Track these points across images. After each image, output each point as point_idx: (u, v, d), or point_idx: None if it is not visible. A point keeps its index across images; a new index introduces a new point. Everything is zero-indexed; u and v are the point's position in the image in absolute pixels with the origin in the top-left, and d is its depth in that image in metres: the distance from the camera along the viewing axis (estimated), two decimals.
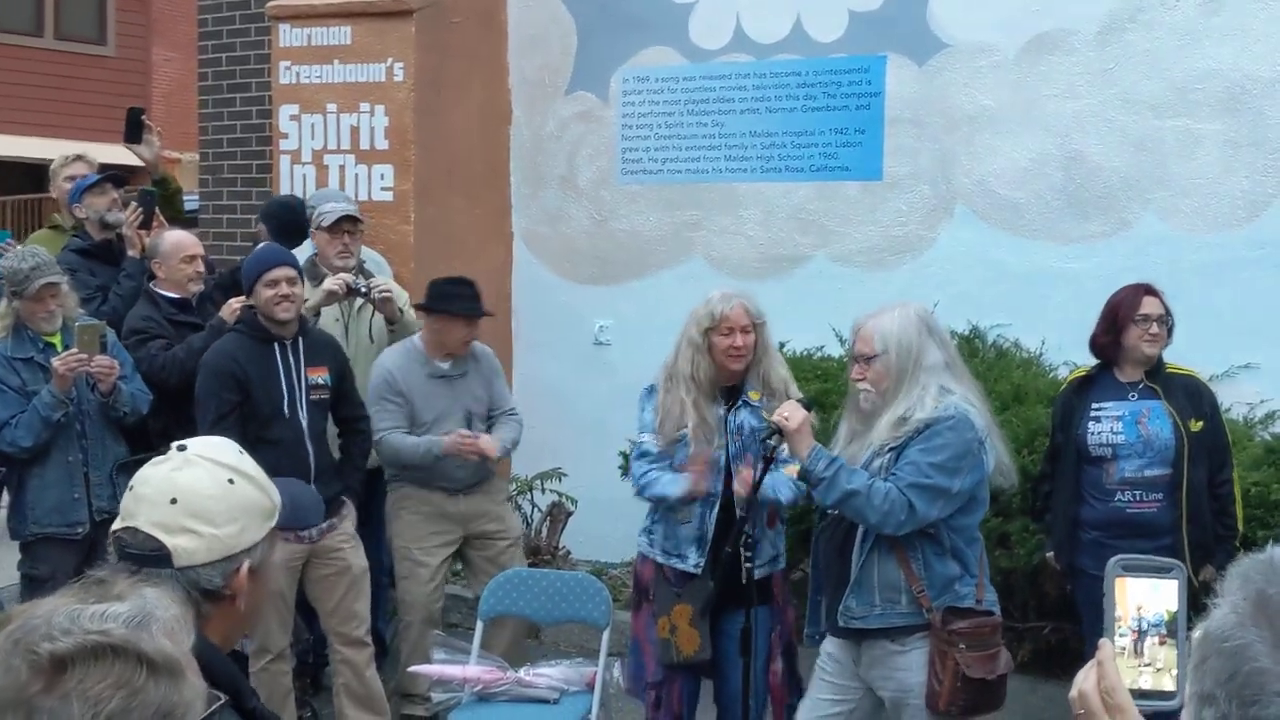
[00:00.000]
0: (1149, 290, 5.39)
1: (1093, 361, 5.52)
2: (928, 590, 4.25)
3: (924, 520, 4.20)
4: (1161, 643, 1.59)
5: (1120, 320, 5.35)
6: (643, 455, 5.05)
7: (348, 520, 5.73)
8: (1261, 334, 6.68)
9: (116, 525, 2.26)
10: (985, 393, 4.64)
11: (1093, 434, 5.35)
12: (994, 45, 7.35)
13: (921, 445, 4.20)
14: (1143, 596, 1.61)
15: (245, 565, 2.24)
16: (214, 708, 1.66)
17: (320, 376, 5.64)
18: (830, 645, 4.54)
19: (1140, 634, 1.60)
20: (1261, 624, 1.33)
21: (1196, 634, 1.41)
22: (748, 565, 4.80)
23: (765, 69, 7.86)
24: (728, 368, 4.93)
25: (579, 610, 5.53)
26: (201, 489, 2.23)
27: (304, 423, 5.54)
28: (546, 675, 5.31)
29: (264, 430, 5.37)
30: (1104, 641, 1.60)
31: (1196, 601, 1.58)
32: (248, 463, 2.33)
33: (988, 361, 6.96)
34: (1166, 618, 1.60)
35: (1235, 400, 6.43)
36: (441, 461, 5.95)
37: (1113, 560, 1.68)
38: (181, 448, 2.31)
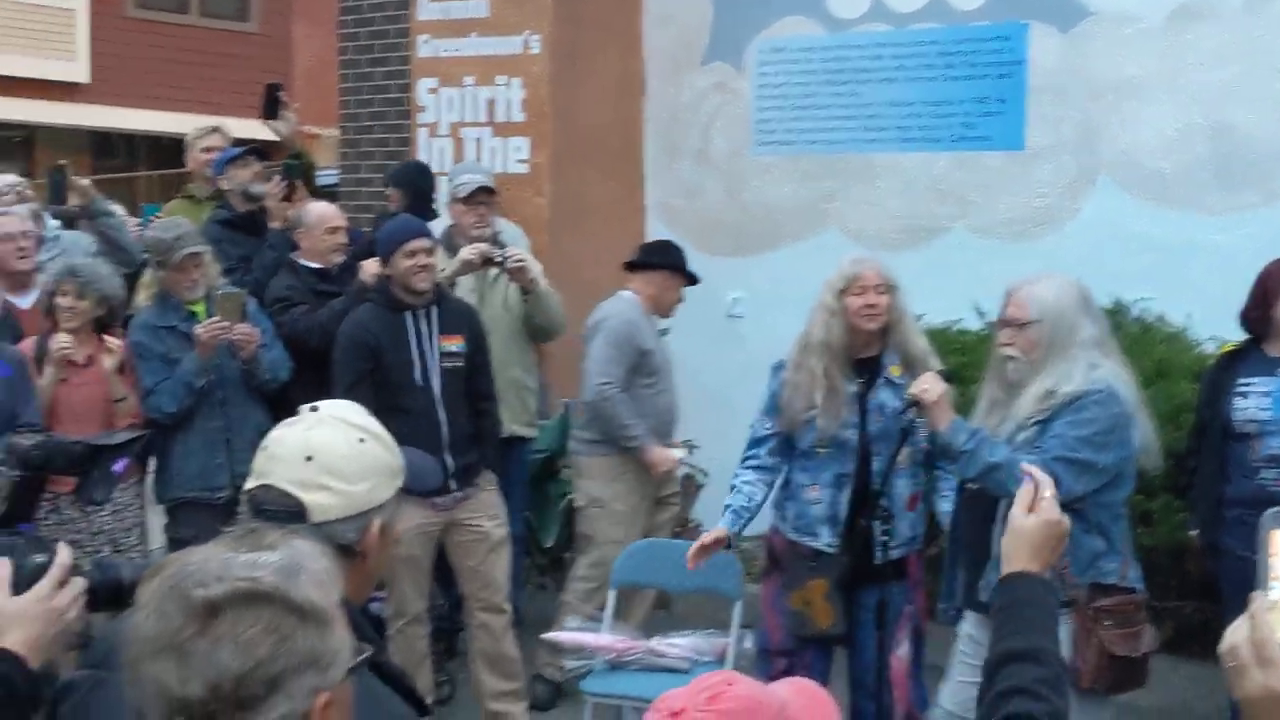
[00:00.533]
0: None
1: (1242, 336, 5.37)
2: (1072, 566, 4.18)
3: (1069, 495, 4.12)
4: None
5: (1270, 294, 5.20)
6: (753, 442, 5.04)
7: (486, 489, 5.78)
8: None
9: (250, 484, 2.32)
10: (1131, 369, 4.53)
11: (1238, 410, 5.21)
12: (1139, 13, 7.16)
13: (1069, 418, 4.12)
14: None
15: (376, 523, 2.28)
16: (360, 659, 1.69)
17: (454, 345, 5.68)
18: (969, 625, 4.48)
19: None
20: None
21: None
22: (884, 539, 4.75)
23: (904, 38, 7.76)
24: (863, 329, 4.84)
25: (711, 581, 5.53)
26: (335, 447, 2.28)
27: (436, 391, 5.60)
28: (678, 645, 5.32)
29: (396, 398, 5.44)
30: (1257, 594, 1.55)
31: None
32: (375, 424, 2.38)
33: (1131, 336, 6.79)
34: None
35: None
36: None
37: (1270, 511, 1.62)
38: (313, 409, 2.37)
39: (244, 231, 6.85)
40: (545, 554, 6.95)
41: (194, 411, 5.82)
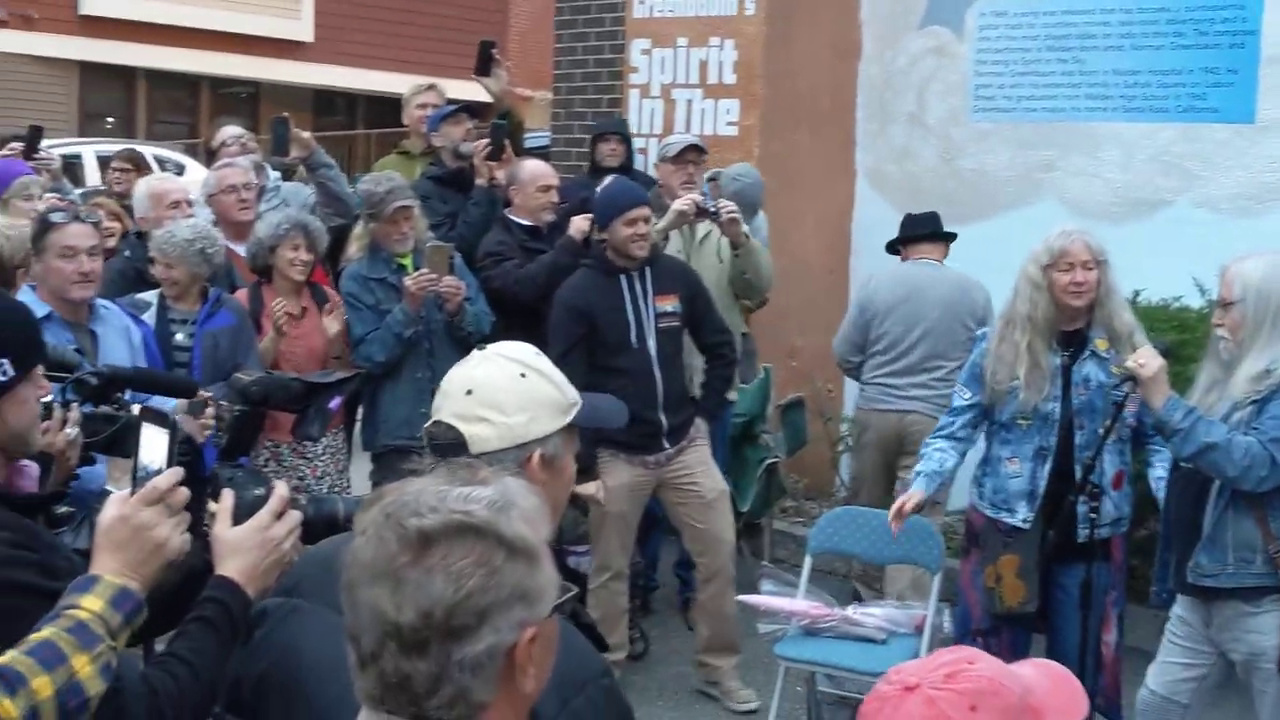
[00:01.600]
0: None
1: None
2: None
3: None
4: None
5: None
6: (950, 411, 4.97)
7: (698, 445, 5.80)
8: None
9: (427, 423, 2.38)
10: None
11: None
12: None
13: None
14: None
15: (537, 454, 2.30)
16: (565, 597, 1.70)
17: (669, 304, 5.71)
18: (1180, 608, 4.38)
19: None
20: None
21: None
22: (1091, 516, 4.63)
23: (1132, 4, 7.48)
24: (1069, 305, 4.70)
25: (910, 552, 5.45)
26: (494, 380, 2.33)
27: (652, 351, 5.64)
28: (874, 615, 5.27)
29: (611, 359, 5.51)
30: None
31: None
32: (544, 362, 2.42)
33: None
34: None
35: None
36: None
37: None
38: (482, 348, 2.44)
39: (453, 188, 6.97)
40: (741, 518, 6.94)
41: (401, 362, 5.97)
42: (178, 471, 2.14)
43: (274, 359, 5.78)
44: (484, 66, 7.41)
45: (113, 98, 22.61)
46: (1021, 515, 4.79)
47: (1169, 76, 7.39)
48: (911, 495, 4.89)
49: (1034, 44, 7.81)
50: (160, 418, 2.19)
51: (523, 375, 2.36)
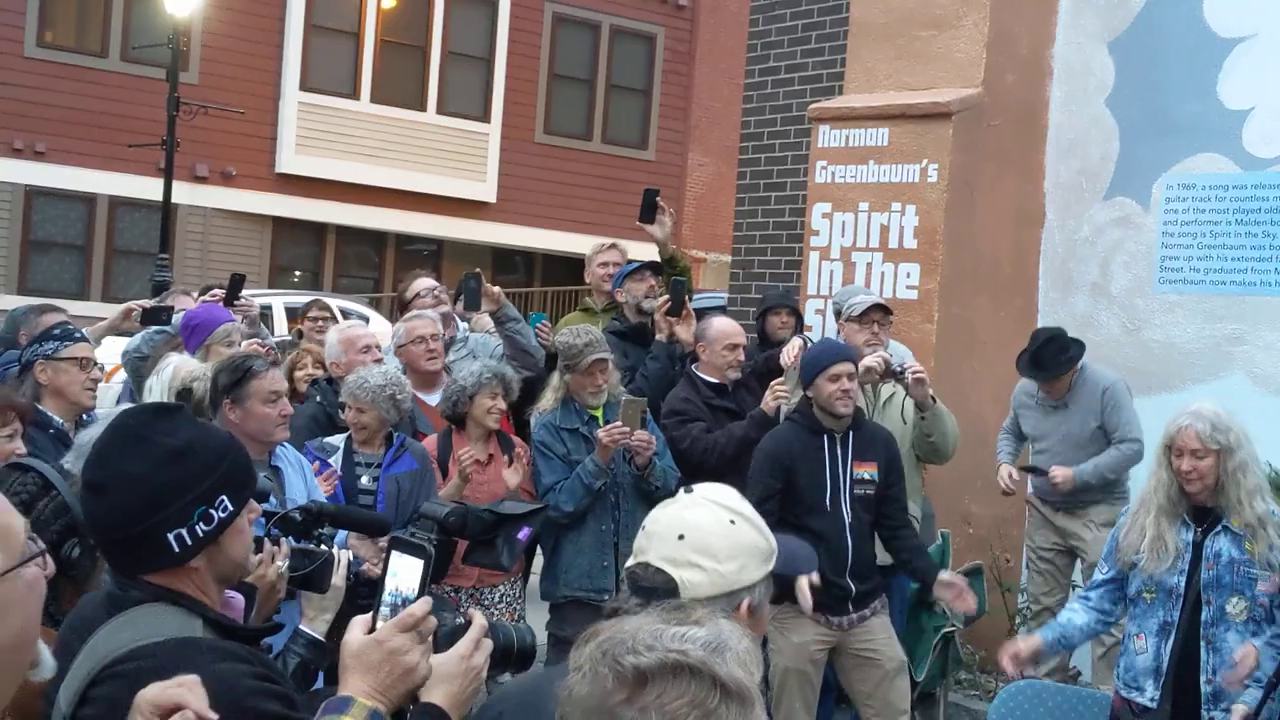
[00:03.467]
0: None
1: None
2: None
3: None
4: None
5: None
6: (1090, 585, 5.00)
7: (881, 614, 5.77)
8: None
9: (630, 562, 2.39)
10: None
11: None
12: None
13: None
14: None
15: (746, 602, 2.31)
16: None
17: (868, 471, 5.69)
18: None
19: None
20: None
21: None
22: (1209, 692, 4.54)
23: None
24: (1184, 489, 4.70)
25: None
26: (706, 526, 2.36)
27: (846, 517, 5.60)
28: None
29: (804, 517, 5.49)
30: None
31: None
32: (747, 506, 2.44)
33: None
34: None
35: None
36: None
37: None
38: (689, 490, 2.46)
39: (634, 342, 7.08)
40: (915, 687, 6.79)
41: (587, 513, 6.02)
42: (429, 600, 2.18)
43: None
44: (648, 214, 7.56)
45: (303, 252, 23.51)
46: (1149, 694, 4.70)
47: None
48: (1030, 641, 4.93)
49: (1223, 216, 7.73)
50: (414, 548, 2.23)
51: (732, 522, 2.38)
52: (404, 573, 2.22)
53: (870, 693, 5.70)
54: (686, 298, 7.10)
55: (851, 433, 5.68)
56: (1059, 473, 6.84)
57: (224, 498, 2.38)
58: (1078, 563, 7.24)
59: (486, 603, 5.95)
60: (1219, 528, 4.68)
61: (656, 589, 2.28)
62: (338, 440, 5.78)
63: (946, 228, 7.85)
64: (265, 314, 15.74)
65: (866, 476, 5.68)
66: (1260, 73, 7.66)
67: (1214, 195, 7.78)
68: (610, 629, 1.69)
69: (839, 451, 5.65)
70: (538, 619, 6.33)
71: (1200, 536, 4.70)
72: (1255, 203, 7.62)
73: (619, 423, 5.91)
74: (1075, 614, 4.98)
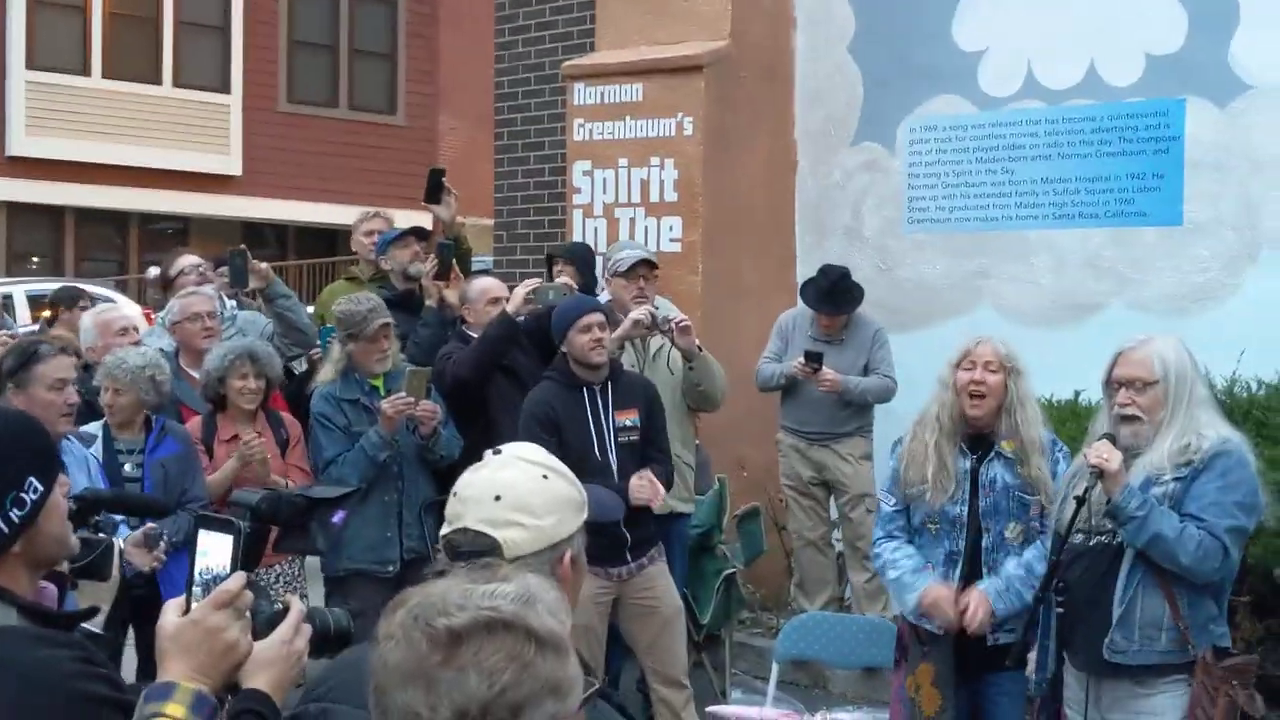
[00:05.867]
0: None
1: None
2: (1191, 630, 4.13)
3: (1235, 563, 4.08)
4: None
5: None
6: (881, 519, 4.95)
7: (658, 561, 5.82)
8: None
9: (445, 530, 2.40)
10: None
11: None
12: None
13: (1218, 482, 4.10)
14: None
15: (568, 554, 2.35)
16: (592, 691, 1.73)
17: (630, 418, 5.75)
18: (1072, 689, 4.37)
19: None
20: None
21: None
22: (993, 637, 4.66)
23: (1057, 115, 7.75)
24: (967, 411, 4.66)
25: (876, 656, 5.48)
26: (521, 484, 2.39)
27: (614, 465, 5.66)
28: None
29: (575, 472, 5.48)
30: None
31: None
32: (557, 461, 2.50)
33: None
34: None
35: None
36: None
37: None
38: (496, 452, 2.48)
39: (403, 310, 6.99)
40: (701, 630, 6.94)
41: (371, 484, 5.94)
42: (243, 575, 2.14)
43: (230, 488, 5.74)
44: (434, 194, 7.49)
45: (41, 237, 22.50)
46: (937, 620, 4.73)
47: (1097, 183, 7.63)
48: (935, 594, 4.74)
49: (964, 155, 8.04)
50: (222, 523, 2.20)
51: (545, 476, 2.41)
52: (214, 550, 2.19)
53: (651, 642, 5.76)
54: (454, 260, 7.08)
55: (610, 383, 5.73)
56: (830, 373, 7.11)
57: (31, 479, 2.31)
58: (832, 497, 7.52)
59: (264, 584, 5.81)
60: (993, 454, 4.73)
61: (479, 552, 2.29)
62: (95, 428, 5.58)
63: (705, 180, 7.98)
64: (7, 302, 15.08)
65: (629, 424, 5.73)
66: (992, 14, 8.00)
67: (954, 136, 8.10)
68: (418, 594, 1.70)
69: (599, 403, 5.69)
70: (315, 594, 6.25)
71: (976, 464, 4.73)
72: (994, 141, 7.96)
73: (403, 393, 5.85)
74: (911, 554, 4.82)
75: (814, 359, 7.10)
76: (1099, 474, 4.18)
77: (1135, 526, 4.11)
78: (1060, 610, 4.36)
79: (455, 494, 2.45)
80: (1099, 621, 4.23)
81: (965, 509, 4.70)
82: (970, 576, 4.70)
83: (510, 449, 2.50)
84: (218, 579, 2.15)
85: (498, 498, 2.37)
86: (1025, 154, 7.85)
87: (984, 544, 4.71)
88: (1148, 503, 4.11)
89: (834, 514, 7.60)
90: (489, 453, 2.50)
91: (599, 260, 7.61)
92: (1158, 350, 4.24)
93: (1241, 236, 7.26)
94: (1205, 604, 4.17)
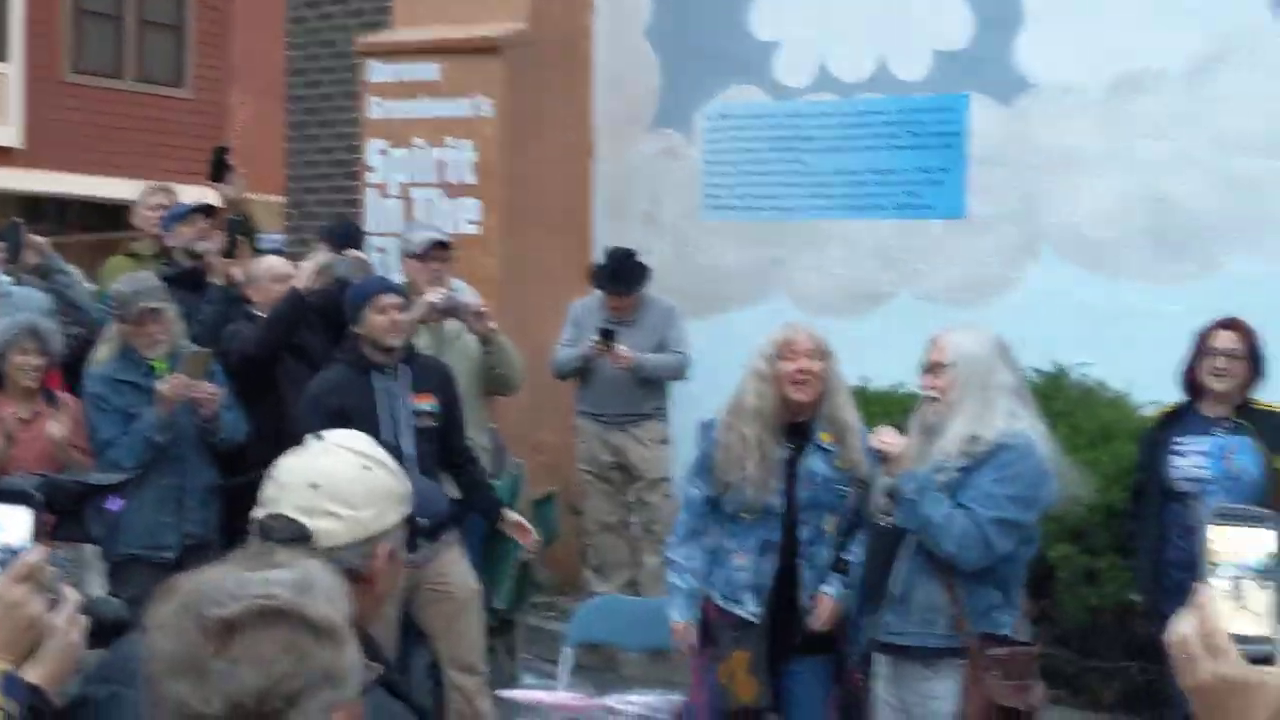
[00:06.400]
0: (1225, 324, 5.35)
1: (1179, 400, 5.49)
2: (968, 614, 4.23)
3: (998, 555, 4.18)
4: (1261, 588, 1.59)
5: (1197, 357, 5.33)
6: (686, 505, 4.95)
7: (452, 546, 5.75)
8: None
9: (259, 512, 2.33)
10: (1061, 428, 4.64)
11: (1175, 468, 5.29)
12: (1080, 85, 7.35)
13: (995, 475, 4.19)
14: (1240, 543, 1.61)
15: (384, 548, 2.30)
16: (373, 676, 1.69)
17: (426, 404, 5.66)
18: (878, 664, 4.47)
19: (1239, 579, 1.60)
20: None
21: None
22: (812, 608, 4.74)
23: (849, 107, 7.92)
24: (792, 397, 4.70)
25: (668, 638, 5.50)
26: (340, 473, 2.32)
27: (408, 451, 5.52)
28: (634, 703, 5.31)
29: None
30: (1202, 586, 1.60)
31: None
32: (381, 452, 2.41)
33: (1073, 400, 6.92)
34: (1266, 562, 1.60)
35: None
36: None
37: (1209, 509, 1.69)
38: (319, 437, 2.41)
39: (186, 288, 6.80)
40: (495, 615, 6.90)
41: (148, 467, 5.76)
42: (44, 549, 2.05)
43: (2, 466, 5.52)
44: (219, 173, 7.30)
45: None
46: (750, 608, 4.76)
47: (886, 175, 7.82)
48: (685, 635, 4.84)
49: (759, 144, 8.16)
50: (19, 495, 2.09)
51: (367, 467, 2.34)
52: (9, 524, 2.09)
53: (446, 628, 5.70)
54: (241, 237, 6.93)
55: (405, 366, 5.64)
56: (624, 349, 7.16)
57: None
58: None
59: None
60: (811, 446, 4.76)
61: (290, 540, 2.22)
62: None
63: (503, 163, 7.94)
64: None
65: (426, 409, 5.64)
66: (786, 6, 8.12)
67: (750, 125, 8.20)
68: (191, 581, 1.64)
69: (393, 387, 5.60)
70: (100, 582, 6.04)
71: (793, 454, 4.76)
72: (788, 131, 8.09)
73: (181, 375, 5.68)
74: (697, 563, 4.83)
75: (608, 335, 7.13)
76: (883, 457, 4.29)
77: (908, 509, 4.21)
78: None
79: (273, 477, 2.38)
80: (881, 601, 4.33)
81: (781, 500, 4.73)
82: (785, 567, 4.75)
83: (334, 436, 2.44)
84: (14, 552, 2.06)
85: (315, 485, 2.30)
86: (818, 145, 7.99)
87: (801, 536, 4.75)
88: (923, 487, 4.20)
89: (631, 497, 7.64)
90: (312, 437, 2.43)
91: (388, 242, 7.51)
92: (958, 336, 4.37)
93: (1022, 231, 7.52)
94: (986, 591, 4.25)
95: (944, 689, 4.25)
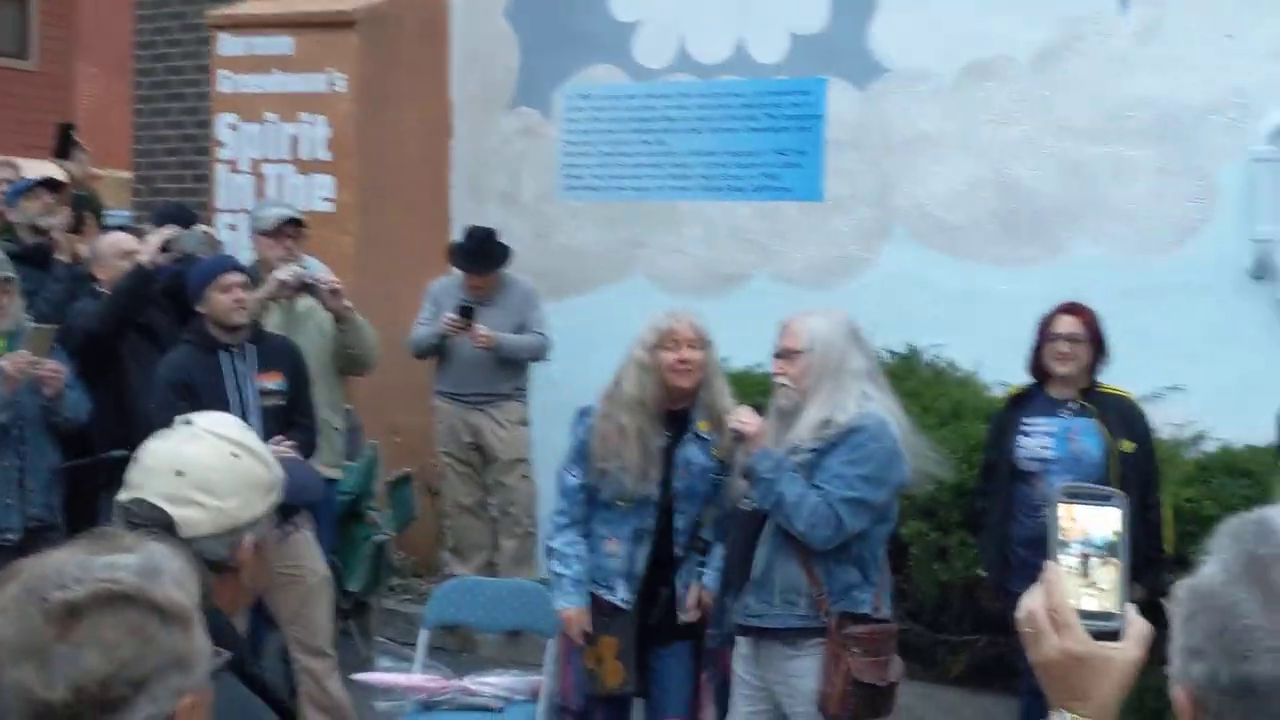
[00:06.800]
0: (1067, 309, 5.49)
1: (1026, 380, 5.62)
2: (828, 594, 4.29)
3: (850, 533, 4.23)
4: (1105, 564, 1.64)
5: (1043, 340, 5.46)
6: (564, 492, 4.92)
7: (305, 529, 5.68)
8: (1189, 357, 6.80)
9: (123, 496, 2.29)
10: (912, 408, 4.71)
11: (1022, 449, 5.41)
12: (933, 70, 7.47)
13: (846, 456, 4.24)
14: (1087, 521, 1.65)
15: (249, 538, 2.25)
16: (223, 660, 1.66)
17: (273, 382, 5.58)
18: (741, 645, 4.51)
19: (1086, 556, 1.64)
20: (1251, 583, 1.36)
21: (1182, 589, 1.44)
22: (682, 614, 4.76)
23: (708, 89, 7.94)
24: (676, 385, 4.72)
25: (524, 620, 5.52)
26: (207, 461, 2.27)
27: (255, 430, 5.44)
28: (491, 684, 5.29)
29: None
30: (1050, 563, 1.64)
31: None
32: (251, 438, 2.36)
33: (924, 380, 7.05)
34: (1113, 539, 1.64)
35: (1165, 421, 6.54)
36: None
37: (1056, 487, 1.73)
38: (188, 421, 2.37)
39: (30, 264, 6.63)
40: (349, 598, 6.84)
41: None
42: None
43: None
44: (64, 148, 7.13)
45: None
46: (620, 595, 4.80)
47: (744, 157, 7.87)
48: (576, 624, 4.81)
49: (619, 125, 8.15)
50: None
51: (235, 455, 2.29)
52: None
53: (294, 612, 5.63)
54: (88, 213, 6.77)
55: (251, 345, 5.56)
56: (483, 328, 7.10)
57: None
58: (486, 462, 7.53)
59: None
60: (688, 435, 4.78)
61: (151, 528, 2.16)
62: None
63: (358, 139, 7.83)
64: None
65: (272, 387, 5.58)
66: None
67: (610, 105, 8.19)
68: (34, 565, 1.59)
69: (240, 366, 5.51)
70: None
71: (670, 443, 4.77)
72: (648, 112, 8.09)
73: (24, 352, 5.51)
74: (582, 550, 4.83)
75: (466, 313, 7.08)
76: (739, 437, 4.32)
77: (764, 488, 4.25)
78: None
79: (138, 460, 2.32)
80: (744, 584, 4.37)
81: (657, 489, 4.75)
82: (659, 555, 4.77)
83: (203, 420, 2.38)
84: None
85: (179, 473, 2.25)
86: (677, 126, 8.01)
87: (676, 525, 4.78)
88: (779, 466, 4.24)
89: (489, 479, 7.60)
90: (180, 420, 2.38)
91: (240, 218, 7.38)
92: (809, 323, 4.38)
93: (876, 213, 7.62)
94: (846, 571, 4.31)
95: (809, 667, 4.30)
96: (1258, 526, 1.41)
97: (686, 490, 4.77)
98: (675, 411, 4.81)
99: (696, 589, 4.77)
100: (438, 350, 7.37)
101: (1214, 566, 1.42)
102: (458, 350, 7.28)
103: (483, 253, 7.37)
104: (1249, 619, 1.35)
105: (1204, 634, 1.38)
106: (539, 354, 7.43)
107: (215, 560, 2.22)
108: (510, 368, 7.40)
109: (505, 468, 7.42)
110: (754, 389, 6.84)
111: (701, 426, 4.79)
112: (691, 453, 4.78)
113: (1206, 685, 1.37)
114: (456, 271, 7.47)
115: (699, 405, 4.82)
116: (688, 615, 4.76)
